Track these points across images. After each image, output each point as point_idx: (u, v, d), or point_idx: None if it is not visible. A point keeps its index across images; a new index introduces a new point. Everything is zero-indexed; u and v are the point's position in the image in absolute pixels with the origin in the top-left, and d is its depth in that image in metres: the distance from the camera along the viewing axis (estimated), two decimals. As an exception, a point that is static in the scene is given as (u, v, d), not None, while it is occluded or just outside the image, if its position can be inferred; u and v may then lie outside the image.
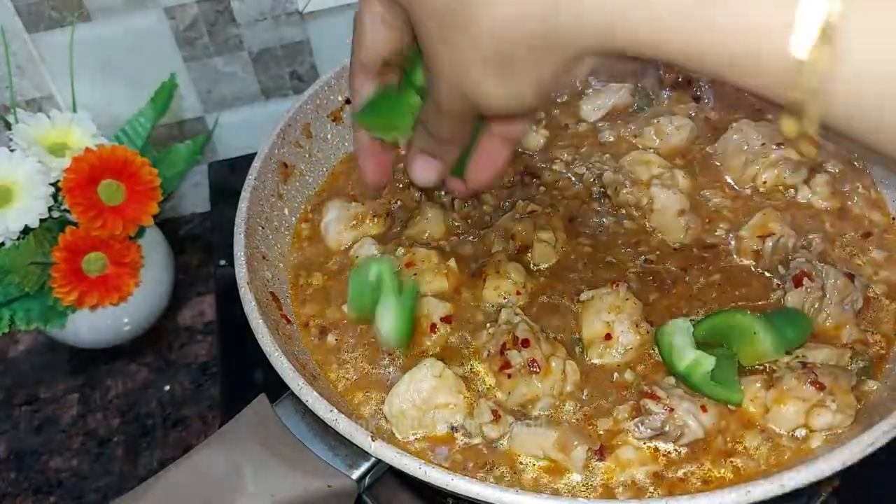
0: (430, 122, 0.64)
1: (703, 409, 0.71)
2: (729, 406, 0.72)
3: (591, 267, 0.85)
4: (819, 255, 0.81)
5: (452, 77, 0.55)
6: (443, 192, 0.94)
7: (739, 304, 0.80)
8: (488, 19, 0.50)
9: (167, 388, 1.18)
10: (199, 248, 1.38)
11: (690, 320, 0.75)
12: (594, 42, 0.49)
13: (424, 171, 0.69)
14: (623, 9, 0.47)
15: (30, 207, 1.01)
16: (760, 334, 0.72)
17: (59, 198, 1.04)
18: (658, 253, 0.85)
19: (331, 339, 0.82)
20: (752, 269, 0.83)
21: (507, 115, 0.58)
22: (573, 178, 0.94)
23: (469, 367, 0.77)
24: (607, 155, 0.96)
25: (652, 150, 0.95)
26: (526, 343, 0.74)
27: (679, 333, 0.73)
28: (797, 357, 0.73)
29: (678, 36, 0.47)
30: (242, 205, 0.87)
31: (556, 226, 0.88)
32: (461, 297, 0.83)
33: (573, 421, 0.72)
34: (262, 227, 0.89)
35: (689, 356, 0.72)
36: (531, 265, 0.85)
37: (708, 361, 0.71)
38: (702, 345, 0.73)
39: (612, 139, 0.99)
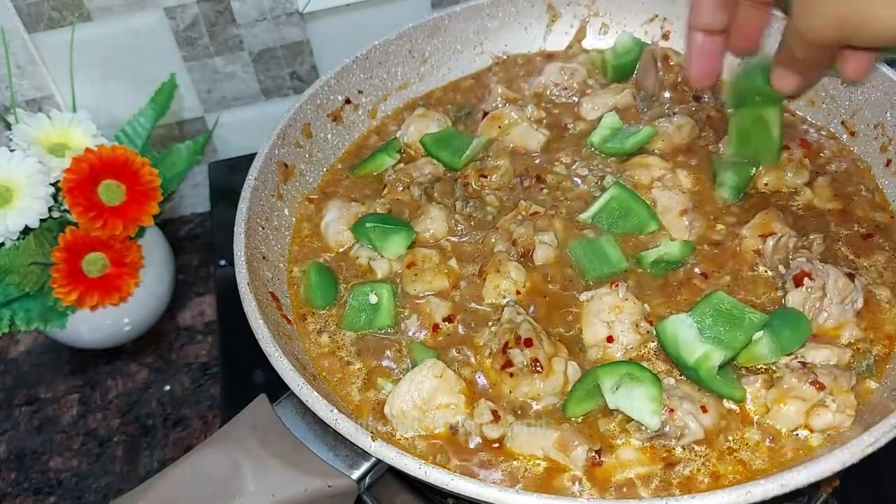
0: (795, 48, 0.71)
1: (704, 409, 0.70)
2: (727, 403, 0.72)
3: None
4: (820, 255, 0.81)
5: (832, 8, 0.62)
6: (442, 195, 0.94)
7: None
8: None
9: (167, 388, 1.18)
10: (199, 248, 1.38)
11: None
12: None
13: (785, 80, 0.79)
14: None
15: (30, 207, 1.01)
16: (758, 336, 0.72)
17: (59, 198, 1.04)
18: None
19: (325, 337, 0.83)
20: (754, 268, 0.83)
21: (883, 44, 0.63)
22: (575, 181, 0.94)
23: (470, 366, 0.77)
24: (612, 158, 0.96)
25: (653, 152, 0.95)
26: (529, 342, 0.74)
27: (683, 329, 0.73)
28: (797, 357, 0.73)
29: None
30: (242, 205, 0.87)
31: (559, 227, 0.88)
32: (462, 296, 0.83)
33: (574, 421, 0.72)
34: (262, 227, 0.89)
35: (698, 350, 0.71)
36: (533, 265, 0.85)
37: (717, 355, 0.71)
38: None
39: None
